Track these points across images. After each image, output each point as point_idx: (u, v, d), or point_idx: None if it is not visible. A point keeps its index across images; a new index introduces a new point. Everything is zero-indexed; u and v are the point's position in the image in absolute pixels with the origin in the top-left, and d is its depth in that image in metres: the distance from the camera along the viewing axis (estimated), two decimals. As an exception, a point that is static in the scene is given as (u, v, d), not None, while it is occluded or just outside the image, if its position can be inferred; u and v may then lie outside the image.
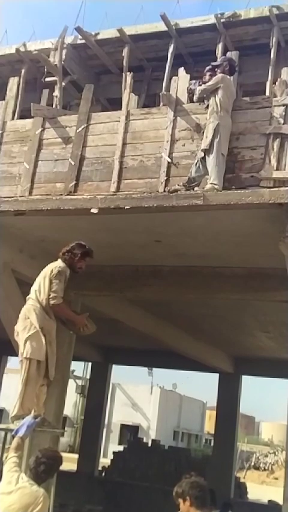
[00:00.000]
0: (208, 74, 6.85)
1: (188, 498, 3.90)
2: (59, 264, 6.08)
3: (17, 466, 4.39)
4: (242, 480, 20.13)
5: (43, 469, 4.33)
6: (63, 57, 8.56)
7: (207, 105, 6.68)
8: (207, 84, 6.70)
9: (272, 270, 7.51)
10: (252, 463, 35.44)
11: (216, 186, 6.25)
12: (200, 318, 11.53)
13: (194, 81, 7.09)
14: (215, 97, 6.58)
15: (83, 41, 8.67)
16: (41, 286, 5.98)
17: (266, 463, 35.89)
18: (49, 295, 5.89)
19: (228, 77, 6.77)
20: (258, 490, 22.97)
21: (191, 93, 7.06)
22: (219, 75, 6.69)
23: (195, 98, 6.90)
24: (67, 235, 7.47)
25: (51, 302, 5.87)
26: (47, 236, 7.77)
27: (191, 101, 7.08)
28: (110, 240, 7.56)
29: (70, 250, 6.10)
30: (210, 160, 6.39)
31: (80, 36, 8.65)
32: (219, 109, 6.53)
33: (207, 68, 6.96)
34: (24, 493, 4.15)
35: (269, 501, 16.60)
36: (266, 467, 35.24)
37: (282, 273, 6.41)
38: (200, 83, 6.89)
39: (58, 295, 5.89)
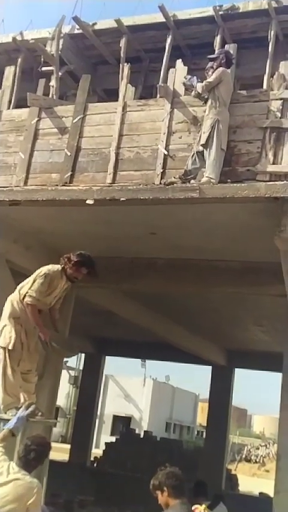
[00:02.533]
0: (211, 71, 6.76)
1: (166, 489, 3.94)
2: (52, 266, 6.07)
3: (4, 455, 4.37)
4: (233, 472, 20.26)
5: (33, 456, 4.33)
6: (60, 46, 8.50)
7: (206, 100, 6.63)
8: (209, 80, 6.59)
9: (267, 264, 7.51)
10: (244, 456, 35.71)
11: (212, 180, 6.23)
12: (195, 311, 11.55)
13: (189, 77, 6.94)
14: (215, 91, 6.52)
15: (81, 31, 8.61)
16: (29, 280, 6.02)
17: (258, 455, 36.18)
18: (27, 292, 5.92)
19: (227, 70, 6.74)
20: (249, 482, 23.08)
21: (188, 88, 6.96)
22: (220, 69, 6.61)
23: (194, 94, 6.78)
24: (62, 226, 7.46)
25: (25, 299, 5.92)
26: (42, 227, 7.74)
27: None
28: (105, 231, 7.53)
29: (69, 256, 6.07)
30: (209, 154, 6.35)
31: (77, 26, 8.58)
32: (218, 104, 6.47)
33: (209, 65, 6.86)
34: (18, 485, 4.13)
35: (260, 493, 16.72)
36: (258, 460, 35.53)
37: (277, 267, 6.41)
38: (199, 80, 6.80)
39: (33, 296, 5.89)
